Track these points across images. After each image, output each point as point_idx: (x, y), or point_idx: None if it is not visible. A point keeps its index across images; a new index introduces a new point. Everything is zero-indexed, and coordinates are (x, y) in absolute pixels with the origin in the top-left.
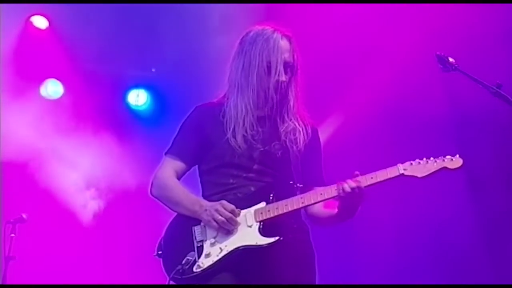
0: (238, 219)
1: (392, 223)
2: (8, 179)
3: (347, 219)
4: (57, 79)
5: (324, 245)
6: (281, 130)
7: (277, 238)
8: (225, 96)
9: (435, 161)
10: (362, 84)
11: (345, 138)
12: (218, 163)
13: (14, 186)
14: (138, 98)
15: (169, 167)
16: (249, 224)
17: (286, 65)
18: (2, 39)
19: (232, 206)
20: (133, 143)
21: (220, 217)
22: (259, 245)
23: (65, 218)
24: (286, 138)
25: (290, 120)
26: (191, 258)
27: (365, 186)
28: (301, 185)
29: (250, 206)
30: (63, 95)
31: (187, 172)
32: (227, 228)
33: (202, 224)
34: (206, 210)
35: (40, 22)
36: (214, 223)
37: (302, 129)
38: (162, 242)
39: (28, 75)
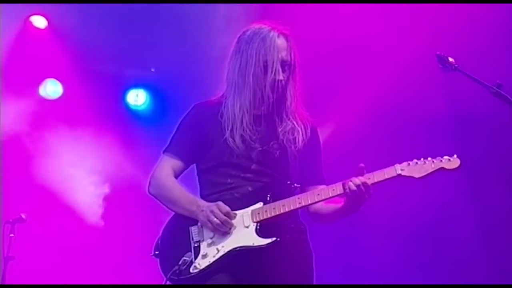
0: (235, 220)
1: (391, 222)
2: (7, 179)
3: (351, 213)
4: (56, 79)
5: (322, 244)
6: (279, 130)
7: (274, 239)
8: (223, 95)
9: (433, 161)
10: (361, 84)
11: (344, 138)
12: (216, 163)
13: (13, 186)
14: (138, 98)
15: (167, 166)
16: (246, 225)
17: (283, 63)
18: (1, 38)
19: (227, 208)
20: (133, 143)
21: (215, 219)
22: (256, 246)
23: (64, 218)
24: (284, 137)
25: (289, 119)
26: (188, 259)
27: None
28: (298, 185)
29: (247, 206)
30: (62, 95)
31: (185, 171)
32: (221, 230)
33: (199, 224)
34: (203, 210)
35: (39, 22)
36: (210, 225)
37: (301, 129)
38: (159, 242)
39: (27, 75)
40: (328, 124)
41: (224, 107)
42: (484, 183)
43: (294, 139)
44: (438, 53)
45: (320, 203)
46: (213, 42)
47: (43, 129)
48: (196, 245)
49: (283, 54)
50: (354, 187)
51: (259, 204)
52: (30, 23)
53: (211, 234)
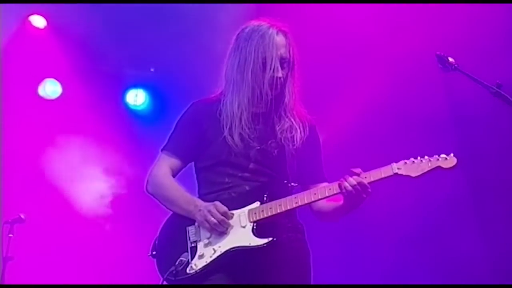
0: (232, 220)
1: (390, 222)
2: (7, 179)
3: (352, 211)
4: (56, 78)
5: (320, 244)
6: (278, 128)
7: (270, 239)
8: (222, 92)
9: (429, 160)
10: (361, 83)
11: (342, 136)
12: (214, 161)
13: (13, 186)
14: (137, 98)
15: (165, 164)
16: (243, 225)
17: (282, 60)
18: (0, 38)
19: (224, 208)
20: (132, 143)
21: (212, 218)
22: (253, 246)
23: (63, 219)
24: (282, 136)
25: (287, 117)
26: (184, 259)
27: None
28: (296, 184)
29: (244, 206)
30: (61, 95)
31: (183, 169)
32: (218, 230)
33: (196, 224)
34: (200, 210)
35: (38, 21)
36: (207, 224)
37: (299, 127)
38: (156, 242)
39: (26, 75)
40: (326, 122)
41: (222, 105)
42: (484, 183)
43: (292, 137)
44: (438, 53)
45: (322, 201)
46: (213, 42)
47: (43, 129)
48: (193, 245)
49: (282, 51)
50: (350, 188)
51: (256, 204)
52: (29, 22)
53: (208, 234)
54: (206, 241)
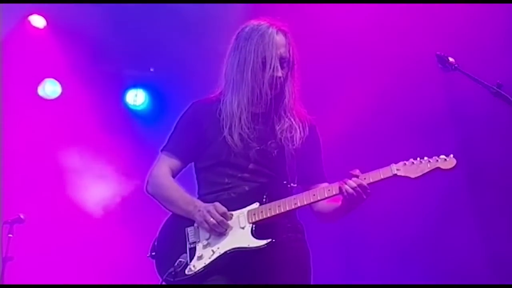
0: (231, 221)
1: (390, 222)
2: (7, 179)
3: (351, 212)
4: (55, 78)
5: (320, 244)
6: (277, 128)
7: (269, 240)
8: (221, 92)
9: (429, 161)
10: (361, 83)
11: (342, 136)
12: (214, 162)
13: (12, 186)
14: (136, 98)
15: (165, 165)
16: (242, 226)
17: (282, 60)
18: (0, 38)
19: (224, 209)
20: (131, 143)
21: (211, 219)
22: (251, 247)
23: (63, 219)
24: (282, 136)
25: (287, 117)
26: (183, 260)
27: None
28: (295, 185)
29: (243, 207)
30: (61, 94)
31: (184, 169)
32: (217, 231)
33: (195, 225)
34: (199, 210)
35: (38, 21)
36: (206, 225)
37: (299, 127)
38: (155, 243)
39: (26, 75)
40: (325, 122)
41: (222, 105)
42: (484, 183)
43: (292, 137)
44: (438, 53)
45: (322, 202)
46: (213, 42)
47: (42, 129)
48: (192, 246)
49: (282, 50)
50: (350, 190)
51: (255, 205)
52: (29, 22)
53: (207, 235)
54: (205, 242)
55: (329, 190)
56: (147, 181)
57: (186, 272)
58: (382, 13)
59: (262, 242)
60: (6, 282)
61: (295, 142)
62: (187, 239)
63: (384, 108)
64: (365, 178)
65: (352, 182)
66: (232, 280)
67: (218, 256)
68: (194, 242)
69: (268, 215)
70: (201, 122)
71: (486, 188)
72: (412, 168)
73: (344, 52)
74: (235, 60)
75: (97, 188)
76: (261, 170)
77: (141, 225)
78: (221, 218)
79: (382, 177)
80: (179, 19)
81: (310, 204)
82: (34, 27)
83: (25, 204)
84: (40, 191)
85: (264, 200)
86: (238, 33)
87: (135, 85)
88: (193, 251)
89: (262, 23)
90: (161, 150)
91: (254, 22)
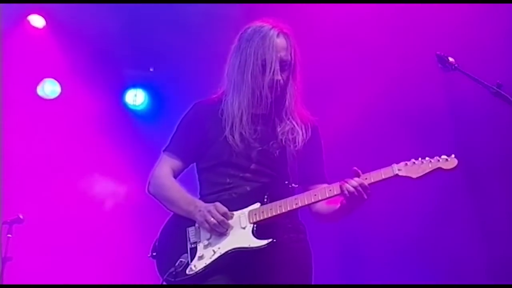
0: (232, 220)
1: (390, 222)
2: (6, 179)
3: (353, 211)
4: (54, 78)
5: (321, 244)
6: (279, 130)
7: (270, 240)
8: (224, 92)
9: (430, 161)
10: (361, 83)
11: (343, 137)
12: (216, 162)
13: (11, 186)
14: (136, 98)
15: (167, 165)
16: (243, 226)
17: (282, 63)
18: None
19: (225, 209)
20: (131, 143)
21: (212, 219)
22: (252, 247)
23: (63, 219)
24: (283, 137)
25: (288, 119)
26: (184, 260)
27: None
28: (296, 185)
29: (245, 207)
30: (60, 94)
31: (185, 170)
32: (218, 231)
33: (196, 225)
34: (200, 210)
35: (37, 21)
36: (207, 225)
37: (301, 128)
38: (156, 243)
39: (25, 75)
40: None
41: (224, 105)
42: (484, 183)
43: (294, 139)
44: (438, 53)
45: (320, 202)
46: (213, 42)
47: (41, 129)
48: (192, 246)
49: (282, 53)
50: (352, 189)
51: (257, 205)
52: (28, 22)
53: (208, 235)
54: (206, 242)
55: (330, 190)
56: (149, 182)
57: (187, 272)
58: (382, 13)
59: (263, 242)
60: (6, 282)
61: (297, 144)
62: (188, 239)
63: (384, 108)
64: (366, 178)
65: (354, 182)
66: (233, 280)
67: (219, 256)
68: (195, 242)
69: (269, 215)
70: (203, 123)
71: (486, 188)
72: (413, 168)
73: (344, 52)
74: (237, 61)
75: (96, 188)
76: (263, 170)
77: (142, 225)
78: (222, 218)
79: (383, 177)
80: (179, 19)
81: (311, 204)
82: (33, 27)
83: (24, 204)
84: (39, 191)
85: (265, 200)
86: (241, 33)
87: (134, 85)
88: (194, 251)
89: (265, 24)
90: (163, 151)
91: (257, 23)
